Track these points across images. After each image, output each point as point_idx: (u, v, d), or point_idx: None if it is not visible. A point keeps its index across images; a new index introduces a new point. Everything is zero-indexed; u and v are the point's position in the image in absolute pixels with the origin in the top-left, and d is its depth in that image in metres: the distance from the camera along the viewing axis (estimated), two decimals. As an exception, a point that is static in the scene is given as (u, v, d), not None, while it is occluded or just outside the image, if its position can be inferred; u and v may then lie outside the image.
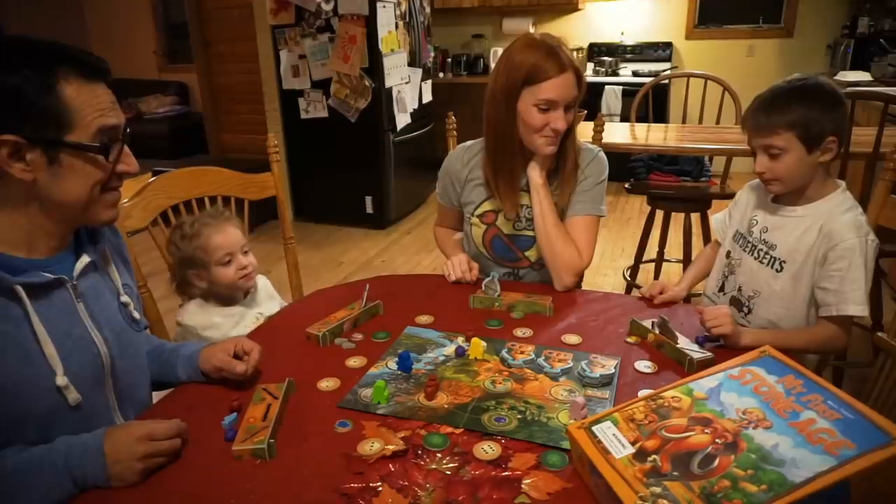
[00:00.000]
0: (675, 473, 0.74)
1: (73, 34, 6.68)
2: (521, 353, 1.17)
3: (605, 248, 3.71)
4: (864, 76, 4.13)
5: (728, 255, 1.44)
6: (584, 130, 2.07)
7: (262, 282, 1.56)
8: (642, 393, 0.99)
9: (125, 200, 1.43)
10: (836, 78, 4.21)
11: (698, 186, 2.70)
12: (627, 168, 2.86)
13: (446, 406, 1.01)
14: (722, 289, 1.45)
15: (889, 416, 0.76)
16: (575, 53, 5.31)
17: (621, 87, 4.82)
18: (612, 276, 3.31)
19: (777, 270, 1.31)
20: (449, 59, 5.68)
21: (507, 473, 0.85)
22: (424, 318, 1.33)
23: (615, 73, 5.11)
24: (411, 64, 4.28)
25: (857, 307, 1.21)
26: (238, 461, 0.89)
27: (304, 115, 4.18)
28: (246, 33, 4.34)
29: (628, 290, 2.85)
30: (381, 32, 3.86)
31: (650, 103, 3.21)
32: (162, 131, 6.37)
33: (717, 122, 3.09)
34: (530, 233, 1.53)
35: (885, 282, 2.54)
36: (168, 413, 0.96)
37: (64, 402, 0.90)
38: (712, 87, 3.09)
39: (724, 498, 0.70)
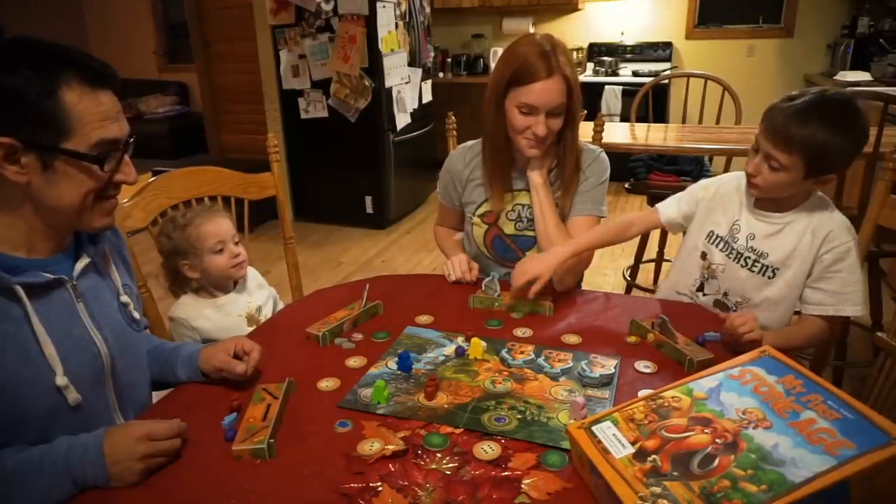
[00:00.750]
0: (674, 473, 0.74)
1: (72, 34, 6.69)
2: (521, 353, 1.17)
3: (604, 248, 3.70)
4: (864, 76, 4.13)
5: (704, 256, 1.39)
6: (584, 130, 2.07)
7: (252, 272, 1.59)
8: (642, 393, 0.99)
9: (125, 200, 1.43)
10: (835, 78, 4.21)
11: (698, 186, 2.69)
12: (627, 168, 2.86)
13: (446, 406, 1.01)
14: (701, 289, 1.42)
15: (889, 416, 0.76)
16: (575, 54, 5.26)
17: (621, 87, 4.82)
18: (612, 276, 3.31)
19: (769, 277, 1.29)
20: (449, 59, 5.68)
21: (507, 473, 0.85)
22: (424, 318, 1.33)
23: (615, 73, 5.11)
24: (411, 64, 4.28)
25: (856, 307, 1.23)
26: (238, 461, 0.89)
27: (304, 115, 4.18)
28: (246, 33, 4.34)
29: (628, 290, 2.85)
30: (381, 32, 3.86)
31: (650, 103, 3.21)
32: (162, 131, 6.37)
33: (717, 122, 3.09)
34: (531, 233, 1.53)
35: (884, 282, 2.54)
36: (168, 413, 0.96)
37: (64, 402, 0.90)
38: (712, 87, 3.09)
39: (723, 498, 0.70)
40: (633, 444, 0.80)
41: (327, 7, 3.85)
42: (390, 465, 0.87)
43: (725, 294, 1.36)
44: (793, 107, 1.16)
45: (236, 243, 1.48)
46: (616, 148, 2.49)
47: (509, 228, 1.56)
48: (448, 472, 0.86)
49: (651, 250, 2.97)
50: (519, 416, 0.97)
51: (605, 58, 5.17)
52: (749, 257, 1.30)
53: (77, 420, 0.91)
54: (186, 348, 1.15)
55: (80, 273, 0.97)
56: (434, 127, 4.62)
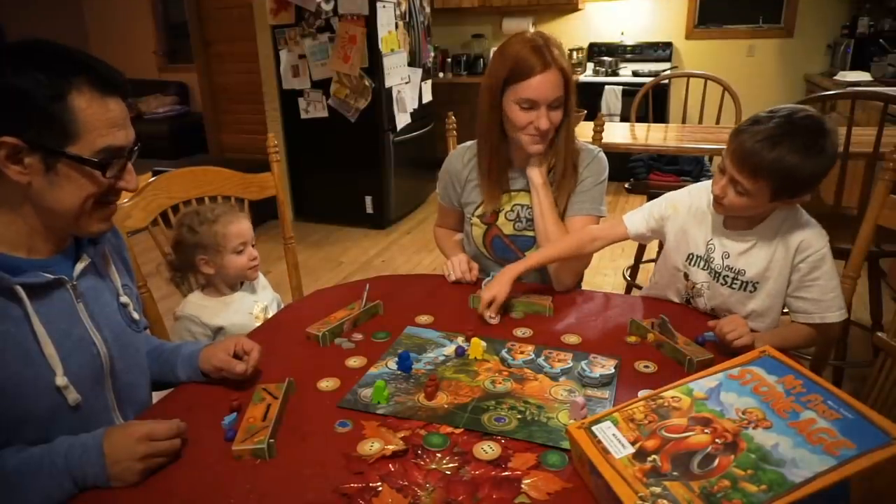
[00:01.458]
0: (674, 473, 0.74)
1: (72, 34, 6.69)
2: (521, 353, 1.17)
3: (605, 248, 3.70)
4: (864, 76, 4.13)
5: (686, 277, 1.37)
6: (584, 130, 2.07)
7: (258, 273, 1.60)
8: (642, 393, 0.99)
9: (125, 200, 1.43)
10: (835, 78, 4.21)
11: (698, 186, 2.69)
12: (627, 168, 2.86)
13: (446, 406, 1.01)
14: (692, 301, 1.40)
15: (889, 416, 0.76)
16: (575, 54, 5.25)
17: (621, 87, 4.82)
18: (612, 276, 3.31)
19: (750, 292, 1.28)
20: (449, 59, 5.68)
21: (506, 473, 0.85)
22: (424, 318, 1.33)
23: (615, 73, 5.11)
24: (411, 64, 4.28)
25: (839, 313, 1.22)
26: (238, 461, 0.89)
27: (304, 115, 4.18)
28: (246, 33, 4.34)
29: (628, 290, 2.85)
30: (381, 32, 3.86)
31: (650, 103, 3.21)
32: (162, 131, 6.37)
33: (717, 122, 3.09)
34: (531, 233, 1.53)
35: (884, 282, 2.54)
36: (168, 413, 0.96)
37: (64, 402, 0.90)
38: (712, 87, 3.10)
39: (723, 498, 0.70)
40: (633, 444, 0.80)
41: (327, 7, 3.85)
42: (390, 465, 0.87)
43: (713, 310, 1.35)
44: (760, 132, 1.12)
45: (253, 245, 1.50)
46: (616, 148, 2.49)
47: (508, 229, 1.56)
48: (448, 472, 0.86)
49: (651, 250, 2.97)
50: (519, 416, 0.97)
51: (605, 58, 5.17)
52: (728, 276, 1.29)
53: (77, 420, 0.91)
54: (186, 348, 1.15)
55: (80, 273, 0.97)
56: (434, 127, 4.62)
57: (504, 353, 1.17)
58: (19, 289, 0.86)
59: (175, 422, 0.91)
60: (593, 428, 0.84)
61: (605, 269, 3.39)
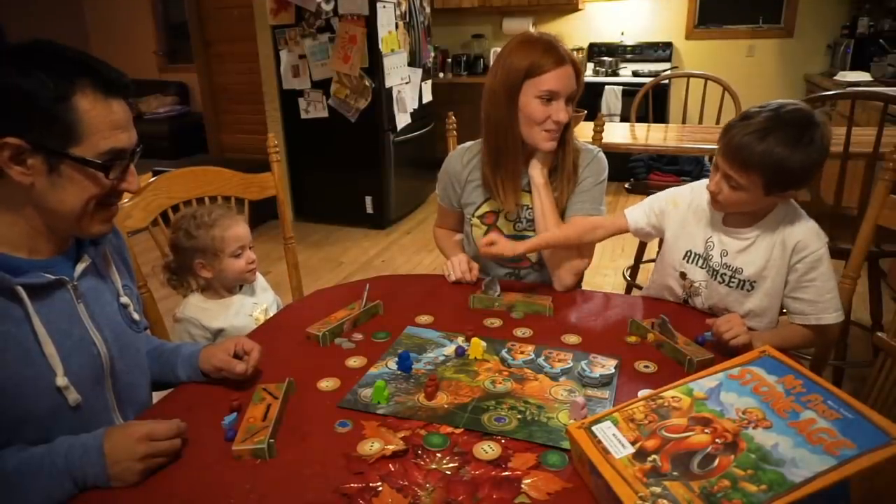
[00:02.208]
0: (674, 473, 0.74)
1: (73, 34, 6.69)
2: (521, 353, 1.17)
3: (605, 248, 3.71)
4: (864, 76, 4.13)
5: (683, 276, 1.37)
6: (584, 130, 2.07)
7: (257, 276, 1.60)
8: (642, 393, 0.99)
9: (125, 200, 1.43)
10: (835, 78, 4.22)
11: (698, 186, 2.70)
12: (627, 168, 2.87)
13: (446, 406, 1.01)
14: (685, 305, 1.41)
15: (889, 416, 0.76)
16: (574, 53, 5.31)
17: (621, 88, 4.82)
18: (612, 276, 3.31)
19: (748, 291, 1.28)
20: (449, 59, 5.68)
21: (507, 473, 0.85)
22: (424, 318, 1.33)
23: (615, 73, 5.11)
24: (411, 64, 4.28)
25: (836, 314, 1.22)
26: (238, 461, 0.89)
27: (304, 115, 4.18)
28: (246, 33, 4.34)
29: (628, 290, 2.85)
30: (381, 32, 3.86)
31: (650, 103, 3.21)
32: (162, 131, 6.37)
33: (717, 122, 3.10)
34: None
35: (884, 282, 2.54)
36: (168, 413, 0.96)
37: (64, 402, 0.90)
38: (712, 87, 3.10)
39: (723, 498, 0.70)
40: (633, 444, 0.80)
41: (327, 7, 3.85)
42: (390, 465, 0.87)
43: (710, 308, 1.35)
44: (749, 126, 1.14)
45: (251, 248, 1.50)
46: (616, 148, 2.49)
47: (508, 229, 1.56)
48: (448, 472, 0.86)
49: (651, 250, 2.97)
50: (519, 416, 0.97)
51: (605, 58, 5.17)
52: (725, 274, 1.29)
53: (77, 420, 0.91)
54: (186, 348, 1.15)
55: (80, 274, 0.97)
56: (434, 127, 4.62)
57: (504, 353, 1.17)
58: (20, 289, 0.86)
59: (175, 422, 0.91)
60: (593, 428, 0.84)
61: (605, 269, 3.39)
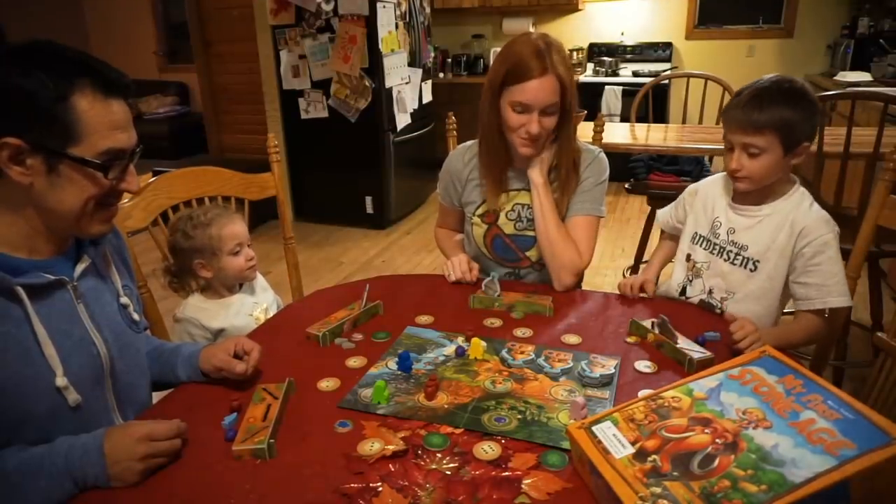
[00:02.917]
0: (675, 473, 0.74)
1: (72, 34, 6.69)
2: (521, 353, 1.17)
3: (605, 248, 3.71)
4: (864, 76, 4.13)
5: (688, 258, 1.42)
6: (584, 131, 2.07)
7: (257, 275, 1.60)
8: (642, 393, 0.99)
9: (125, 201, 1.43)
10: (835, 78, 4.21)
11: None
12: (627, 168, 2.86)
13: (446, 406, 1.01)
14: (683, 293, 1.44)
15: (889, 416, 0.76)
16: (575, 54, 5.24)
17: (621, 88, 4.82)
18: (612, 276, 3.31)
19: (751, 270, 1.31)
20: (449, 60, 5.68)
21: (507, 473, 0.85)
22: (424, 318, 1.33)
23: (615, 74, 5.11)
24: (411, 64, 4.28)
25: (842, 298, 1.24)
26: (238, 461, 0.89)
27: (304, 116, 4.18)
28: (246, 33, 4.34)
29: (628, 290, 2.85)
30: (381, 32, 3.86)
31: (650, 103, 3.21)
32: (162, 131, 6.37)
33: (717, 122, 3.09)
34: (531, 233, 1.53)
35: (884, 282, 2.54)
36: (168, 413, 0.96)
37: (64, 402, 0.90)
38: (712, 87, 3.10)
39: (724, 498, 0.70)
40: (633, 444, 0.80)
41: (327, 7, 3.85)
42: (390, 465, 0.87)
43: (710, 292, 1.37)
44: (748, 95, 1.24)
45: (249, 245, 1.50)
46: (616, 148, 2.49)
47: (509, 228, 1.56)
48: (448, 473, 0.86)
49: (651, 250, 2.97)
50: (519, 416, 0.97)
51: (605, 58, 5.17)
52: (731, 251, 1.33)
53: (77, 420, 0.91)
54: (186, 348, 1.15)
55: (80, 274, 0.97)
56: (434, 127, 4.62)
57: (504, 353, 1.17)
58: (20, 289, 0.86)
59: (175, 422, 0.91)
60: (593, 428, 0.84)
61: (605, 270, 3.39)
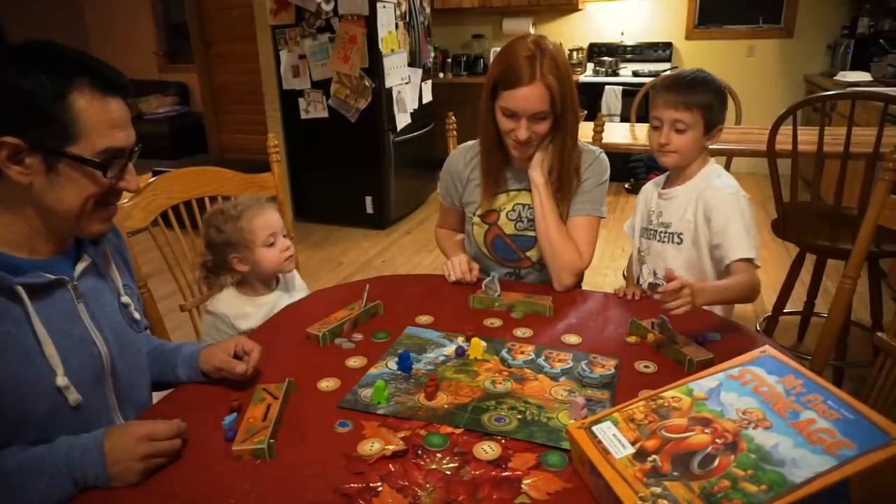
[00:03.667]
0: (675, 473, 0.74)
1: (72, 34, 6.68)
2: (521, 353, 1.17)
3: (605, 248, 3.71)
4: (864, 76, 4.13)
5: (639, 251, 1.58)
6: (584, 131, 2.07)
7: (294, 273, 1.57)
8: (642, 393, 0.99)
9: (125, 200, 1.43)
10: (835, 78, 4.22)
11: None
12: (627, 168, 2.87)
13: (446, 406, 1.01)
14: (637, 281, 1.58)
15: (889, 416, 0.76)
16: (575, 54, 5.24)
17: (621, 88, 4.83)
18: (612, 276, 3.31)
19: (678, 243, 1.47)
20: (449, 60, 5.68)
21: (507, 473, 0.85)
22: (424, 318, 1.33)
23: (615, 74, 5.11)
24: (411, 64, 4.28)
25: (742, 251, 1.33)
26: (238, 461, 0.89)
27: (304, 116, 4.19)
28: (246, 33, 4.34)
29: (628, 290, 2.85)
30: (381, 32, 3.86)
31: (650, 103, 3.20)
32: (162, 131, 6.36)
33: (717, 122, 3.09)
34: (531, 233, 1.53)
35: (884, 282, 2.54)
36: (168, 413, 0.96)
37: (64, 402, 0.90)
38: (712, 87, 3.08)
39: (724, 498, 0.70)
40: (633, 444, 0.80)
41: (327, 7, 3.85)
42: (390, 465, 0.87)
43: (654, 273, 1.51)
44: (676, 80, 1.42)
45: (285, 236, 1.46)
46: (616, 148, 2.49)
47: (509, 228, 1.56)
48: (448, 473, 0.86)
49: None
50: (519, 417, 0.97)
51: (606, 58, 5.17)
52: (661, 231, 1.50)
53: (77, 420, 0.91)
54: (186, 348, 1.15)
55: (80, 274, 0.97)
56: (434, 127, 4.62)
57: (504, 353, 1.17)
58: (20, 289, 0.86)
59: (175, 422, 0.91)
60: (593, 428, 0.84)
61: (605, 270, 3.39)
